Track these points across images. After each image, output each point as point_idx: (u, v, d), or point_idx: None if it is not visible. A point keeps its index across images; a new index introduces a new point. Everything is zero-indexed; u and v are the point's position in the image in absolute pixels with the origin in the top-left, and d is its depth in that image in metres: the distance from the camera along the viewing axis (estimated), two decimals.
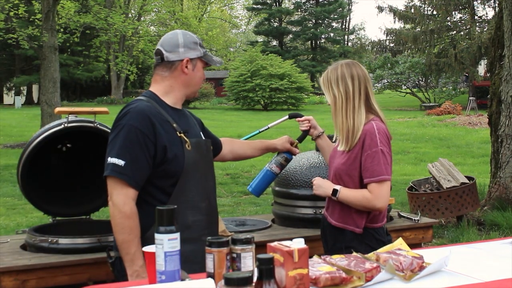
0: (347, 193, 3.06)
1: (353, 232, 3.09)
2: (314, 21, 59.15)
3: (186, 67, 2.84)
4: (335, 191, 3.09)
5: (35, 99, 45.08)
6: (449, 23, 36.69)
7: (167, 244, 1.96)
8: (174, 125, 2.76)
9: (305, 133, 3.54)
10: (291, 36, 60.86)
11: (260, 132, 4.06)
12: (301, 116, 3.59)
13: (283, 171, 4.25)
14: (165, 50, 2.84)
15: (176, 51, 2.83)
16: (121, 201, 2.61)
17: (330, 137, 3.56)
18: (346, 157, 3.09)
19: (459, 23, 37.20)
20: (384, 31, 38.38)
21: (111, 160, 2.63)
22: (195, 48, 2.87)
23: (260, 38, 63.35)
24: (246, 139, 4.26)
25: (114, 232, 2.64)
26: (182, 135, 2.77)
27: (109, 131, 2.79)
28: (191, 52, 2.86)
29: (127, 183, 2.62)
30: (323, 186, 3.18)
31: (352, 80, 3.08)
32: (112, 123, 2.76)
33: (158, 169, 2.70)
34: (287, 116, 3.87)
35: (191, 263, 2.45)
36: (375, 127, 3.02)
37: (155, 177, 2.70)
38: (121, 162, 2.61)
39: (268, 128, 3.99)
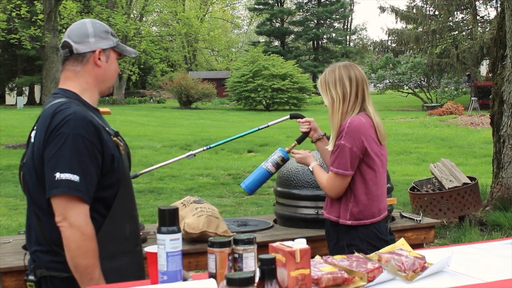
0: (319, 173, 3.30)
1: (356, 230, 3.12)
2: (316, 21, 59.16)
3: (99, 59, 2.54)
4: (312, 165, 3.37)
5: (37, 99, 45.17)
6: (451, 23, 36.67)
7: (169, 244, 1.96)
8: (107, 128, 2.51)
9: (305, 134, 3.54)
10: (293, 36, 60.88)
11: (259, 129, 4.06)
12: (302, 117, 3.59)
13: (284, 171, 4.26)
14: (74, 41, 2.52)
15: (86, 42, 2.52)
16: (82, 221, 2.31)
17: (329, 138, 3.58)
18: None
19: (461, 23, 37.18)
20: (386, 31, 38.39)
21: (62, 176, 2.30)
22: (107, 37, 2.58)
23: (262, 39, 63.37)
24: (245, 134, 4.27)
25: (74, 256, 2.31)
26: (116, 139, 2.53)
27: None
28: (103, 42, 2.56)
29: (83, 200, 2.33)
30: (305, 157, 3.43)
31: (350, 82, 3.14)
32: (45, 132, 2.38)
33: (102, 179, 2.42)
34: (288, 116, 3.87)
35: (128, 276, 2.34)
36: (348, 121, 3.08)
37: (97, 189, 2.41)
38: (76, 178, 2.30)
39: (268, 126, 3.99)
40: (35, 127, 2.52)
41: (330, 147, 3.19)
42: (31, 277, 2.45)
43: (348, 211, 3.13)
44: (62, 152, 2.33)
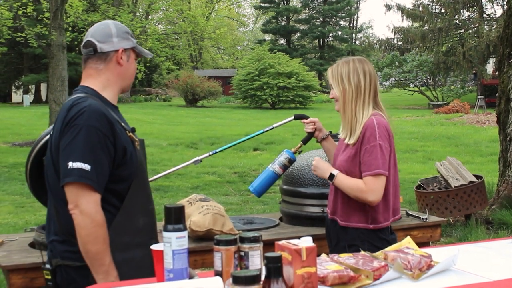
0: (344, 180, 3.10)
1: (356, 230, 3.11)
2: (321, 19, 59.09)
3: (121, 58, 2.67)
4: (332, 176, 3.13)
5: (44, 97, 45.22)
6: (457, 21, 36.56)
7: (175, 242, 1.96)
8: (123, 124, 2.62)
9: (310, 135, 3.53)
10: (298, 34, 60.82)
11: (264, 131, 4.07)
12: (306, 117, 3.58)
13: (290, 169, 4.26)
14: (98, 40, 2.64)
15: (110, 41, 2.65)
16: (92, 209, 2.40)
17: (334, 136, 3.56)
18: (347, 154, 3.12)
19: (467, 21, 37.06)
20: (392, 29, 38.32)
21: (74, 164, 2.40)
22: (128, 38, 2.71)
23: (267, 37, 63.37)
24: (251, 137, 4.28)
25: (85, 243, 2.40)
26: (131, 134, 2.64)
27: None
28: (124, 42, 2.69)
29: (94, 189, 2.42)
30: (321, 168, 3.21)
31: (364, 76, 3.12)
32: (62, 124, 2.49)
33: (115, 172, 2.52)
34: (292, 117, 3.87)
35: (142, 268, 2.40)
36: (375, 121, 3.05)
37: (111, 181, 2.51)
38: (87, 167, 2.40)
39: (273, 128, 4.00)
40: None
41: (348, 140, 3.13)
42: (47, 266, 2.55)
43: (369, 216, 3.10)
44: (76, 142, 2.43)
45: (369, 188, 3.01)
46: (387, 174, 3.03)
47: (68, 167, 2.40)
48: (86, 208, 2.40)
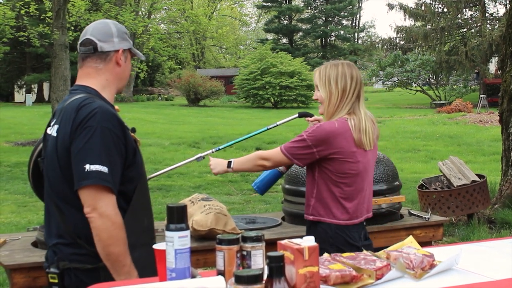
0: (241, 159, 3.34)
1: (325, 233, 3.12)
2: (324, 18, 59.11)
3: (120, 58, 2.64)
4: (230, 163, 3.32)
5: (46, 97, 45.27)
6: (459, 20, 36.53)
7: (177, 241, 1.96)
8: (125, 124, 2.57)
9: None
10: (301, 33, 60.82)
11: (268, 129, 4.07)
12: (311, 115, 3.59)
13: (293, 168, 4.26)
14: (98, 39, 2.60)
15: (111, 41, 2.61)
16: (112, 211, 2.39)
17: None
18: None
19: (470, 21, 37.03)
20: (395, 28, 38.32)
21: (92, 167, 2.36)
22: (126, 39, 2.69)
23: (270, 36, 63.34)
24: (254, 135, 4.27)
25: (107, 245, 2.39)
26: (133, 134, 2.63)
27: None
28: (124, 42, 2.66)
29: (112, 191, 2.41)
30: (218, 162, 3.38)
31: (351, 80, 3.15)
32: (71, 125, 2.45)
33: (124, 173, 2.50)
34: (296, 115, 3.87)
35: (147, 268, 2.39)
36: (320, 123, 3.14)
37: (121, 183, 2.48)
38: (105, 169, 2.37)
39: (277, 125, 4.00)
40: (52, 123, 2.59)
41: None
42: (53, 269, 2.50)
43: (310, 206, 3.19)
44: (91, 145, 2.40)
45: (269, 154, 3.23)
46: (288, 158, 3.14)
47: (86, 170, 2.37)
48: (105, 210, 2.38)
